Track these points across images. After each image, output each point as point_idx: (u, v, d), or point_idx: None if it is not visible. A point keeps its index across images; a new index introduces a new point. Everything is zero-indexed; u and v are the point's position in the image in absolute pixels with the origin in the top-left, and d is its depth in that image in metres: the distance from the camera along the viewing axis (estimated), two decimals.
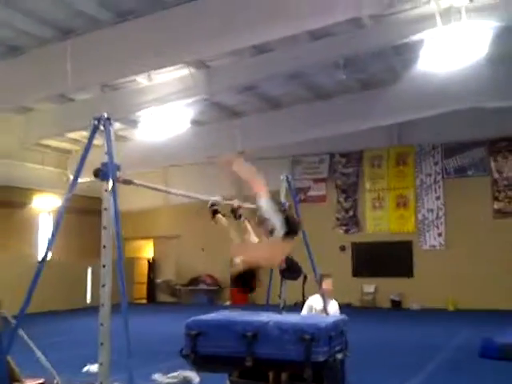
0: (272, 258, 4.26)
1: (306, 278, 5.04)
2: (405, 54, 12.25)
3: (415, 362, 7.91)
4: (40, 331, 10.22)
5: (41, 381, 6.67)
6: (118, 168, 2.94)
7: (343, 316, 4.68)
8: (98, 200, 3.34)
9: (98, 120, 2.96)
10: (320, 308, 6.08)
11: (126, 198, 22.12)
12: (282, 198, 5.25)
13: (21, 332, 6.10)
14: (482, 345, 8.34)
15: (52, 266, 15.95)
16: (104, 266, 2.88)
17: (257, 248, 4.40)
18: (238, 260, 4.09)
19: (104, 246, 2.89)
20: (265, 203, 4.01)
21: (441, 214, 17.20)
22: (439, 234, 17.19)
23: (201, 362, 4.21)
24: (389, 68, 13.33)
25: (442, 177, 17.31)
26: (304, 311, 6.23)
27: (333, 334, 4.16)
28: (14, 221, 17.08)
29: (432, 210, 17.36)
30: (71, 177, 3.39)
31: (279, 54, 11.47)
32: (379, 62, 12.97)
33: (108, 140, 2.96)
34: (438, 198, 17.33)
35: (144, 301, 20.87)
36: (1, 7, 9.22)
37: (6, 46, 10.80)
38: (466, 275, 16.19)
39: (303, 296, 5.36)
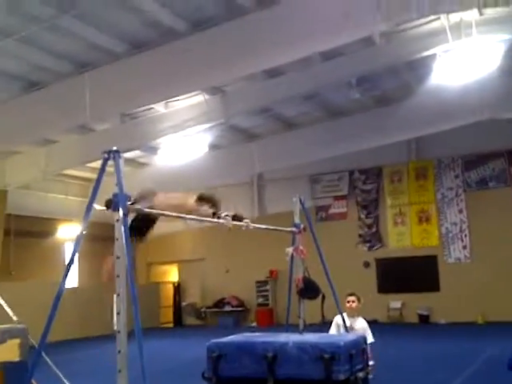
0: (180, 206, 4.35)
1: (324, 297, 5.07)
2: (418, 69, 12.33)
3: (443, 377, 7.81)
4: (67, 358, 10.35)
5: None
6: (128, 198, 3.07)
7: (363, 333, 4.69)
8: None
9: (108, 153, 3.12)
10: (348, 325, 6.10)
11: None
12: (296, 220, 5.31)
13: (46, 358, 6.24)
14: (511, 357, 8.20)
15: (78, 292, 16.29)
16: (118, 295, 2.98)
17: (173, 196, 4.50)
18: (146, 203, 4.00)
19: (118, 276, 2.99)
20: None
21: (464, 226, 17.04)
22: (464, 247, 17.01)
23: None
24: (403, 84, 13.40)
25: (464, 190, 17.18)
26: (332, 330, 6.22)
27: (353, 351, 4.19)
28: (40, 250, 17.40)
29: (455, 224, 17.22)
30: (93, 206, 3.53)
31: (292, 76, 11.64)
32: (393, 78, 13.06)
33: (118, 172, 3.10)
34: (460, 211, 17.19)
35: (171, 324, 20.95)
36: (18, 44, 9.54)
37: (25, 80, 11.14)
38: (494, 287, 15.95)
39: (322, 315, 5.38)
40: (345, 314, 5.84)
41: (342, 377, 3.94)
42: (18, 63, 10.43)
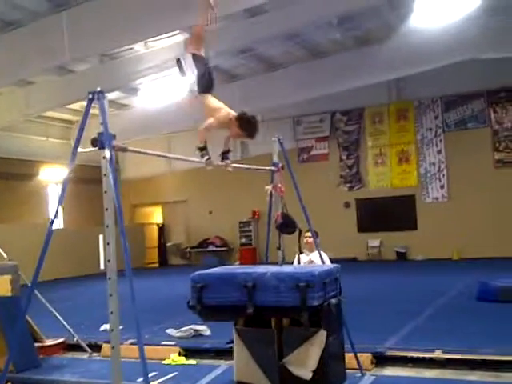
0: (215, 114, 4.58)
1: (300, 231, 5.34)
2: (399, 8, 12.27)
3: (414, 308, 8.28)
4: (57, 296, 10.70)
5: (61, 340, 7.12)
6: (113, 137, 3.23)
7: (337, 264, 4.99)
8: None
9: (93, 94, 3.26)
10: (307, 260, 6.55)
11: (134, 167, 22.60)
12: (275, 159, 5.51)
13: (38, 295, 6.52)
14: (478, 288, 8.72)
15: (64, 234, 16.58)
16: (107, 226, 3.20)
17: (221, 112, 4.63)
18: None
19: (106, 209, 3.22)
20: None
21: (442, 167, 17.41)
22: (442, 187, 17.44)
23: (206, 311, 4.57)
24: (384, 24, 13.33)
25: (443, 130, 17.43)
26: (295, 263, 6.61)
27: (327, 280, 4.49)
28: (23, 192, 17.49)
29: (434, 164, 17.57)
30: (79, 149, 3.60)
31: (272, 15, 11.52)
32: (374, 18, 12.98)
33: (102, 112, 3.26)
34: (439, 152, 17.51)
35: (156, 264, 21.46)
36: None
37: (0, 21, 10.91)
38: (470, 225, 16.52)
39: (299, 249, 5.68)
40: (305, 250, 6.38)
41: (315, 303, 4.24)
42: None
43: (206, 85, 4.75)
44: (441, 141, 17.46)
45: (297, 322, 4.41)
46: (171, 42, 12.46)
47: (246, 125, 4.48)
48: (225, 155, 4.74)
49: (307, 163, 18.98)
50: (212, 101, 4.68)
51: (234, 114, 4.54)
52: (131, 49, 12.75)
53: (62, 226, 18.60)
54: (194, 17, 10.20)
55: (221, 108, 4.62)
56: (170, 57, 12.44)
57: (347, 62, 14.54)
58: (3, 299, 6.05)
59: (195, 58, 4.83)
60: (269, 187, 5.54)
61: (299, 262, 6.08)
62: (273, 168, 5.55)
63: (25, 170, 17.75)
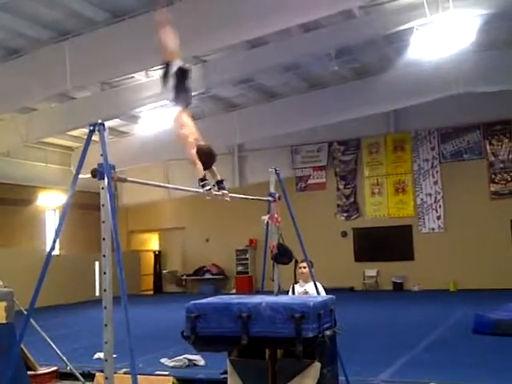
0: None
1: (297, 262, 5.36)
2: (396, 42, 12.54)
3: (409, 340, 8.25)
4: (51, 323, 10.63)
5: (54, 368, 7.06)
6: (112, 168, 3.30)
7: (331, 296, 5.00)
8: None
9: (94, 125, 3.33)
10: (302, 290, 6.49)
11: (131, 193, 22.58)
12: (272, 189, 5.55)
13: (33, 323, 6.48)
14: (475, 320, 8.70)
15: (60, 260, 16.51)
16: (104, 256, 3.24)
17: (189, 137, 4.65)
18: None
19: (104, 239, 3.28)
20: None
21: (439, 197, 17.51)
22: (438, 218, 17.51)
23: (200, 342, 4.54)
24: (381, 56, 13.61)
25: (439, 161, 17.59)
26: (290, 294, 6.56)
27: (322, 311, 4.48)
28: (21, 218, 17.49)
29: (430, 195, 17.68)
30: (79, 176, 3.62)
31: (272, 47, 11.75)
32: (371, 51, 13.25)
33: (102, 143, 3.33)
34: (435, 183, 17.63)
35: (151, 292, 21.31)
36: None
37: (3, 48, 11.09)
38: (466, 256, 16.53)
39: (295, 279, 5.69)
40: (300, 281, 6.30)
41: (310, 334, 4.23)
42: None
43: (184, 98, 4.81)
44: (437, 172, 17.60)
45: (291, 353, 4.40)
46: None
47: (202, 155, 4.52)
48: (220, 185, 4.73)
49: (305, 192, 19.07)
50: (185, 117, 4.71)
51: (200, 140, 4.59)
52: (132, 77, 12.93)
53: (57, 252, 18.55)
54: (194, 48, 10.49)
55: (192, 129, 4.66)
56: (169, 85, 12.60)
57: (345, 93, 14.76)
58: None
59: (179, 68, 4.86)
60: (265, 217, 5.58)
61: (294, 293, 6.08)
62: (269, 198, 5.60)
63: (23, 195, 17.77)
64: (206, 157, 4.52)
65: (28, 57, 11.08)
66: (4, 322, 6.10)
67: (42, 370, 6.90)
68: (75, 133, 16.61)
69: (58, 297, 16.04)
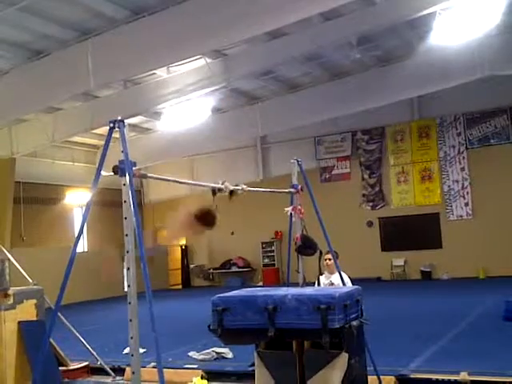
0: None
1: (321, 253, 5.34)
2: (418, 27, 12.31)
3: (438, 329, 8.15)
4: (81, 319, 10.81)
5: (85, 363, 7.19)
6: (134, 164, 3.31)
7: (357, 286, 4.97)
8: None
9: (114, 122, 3.35)
10: (327, 282, 6.47)
11: (157, 190, 22.78)
12: (294, 181, 5.52)
13: (62, 319, 6.60)
14: (505, 308, 8.55)
15: (87, 257, 16.73)
16: (128, 252, 3.27)
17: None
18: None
19: (126, 235, 3.31)
20: None
21: (466, 184, 17.23)
22: (466, 204, 17.25)
23: (227, 335, 4.56)
24: (404, 43, 13.39)
25: (466, 147, 17.30)
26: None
27: (348, 302, 4.46)
28: (49, 216, 17.79)
29: (457, 181, 17.41)
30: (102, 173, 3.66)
31: (293, 38, 11.66)
32: (393, 38, 13.05)
33: (123, 140, 3.35)
34: (462, 169, 17.36)
35: (179, 286, 21.51)
36: (20, 12, 9.63)
37: (28, 49, 11.27)
38: (495, 243, 16.26)
39: (319, 271, 5.66)
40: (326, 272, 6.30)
41: (336, 325, 4.21)
42: (20, 32, 10.54)
43: None
44: (464, 158, 17.32)
45: (318, 344, 4.39)
46: (193, 66, 12.67)
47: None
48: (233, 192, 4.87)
49: (329, 183, 18.97)
50: None
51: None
52: (154, 74, 12.99)
53: (85, 249, 18.83)
54: (215, 41, 10.48)
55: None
56: (192, 81, 12.66)
57: (368, 81, 14.59)
58: (28, 324, 6.13)
59: None
60: (288, 209, 5.56)
61: (319, 284, 6.06)
62: (292, 190, 5.57)
63: (51, 194, 18.08)
64: (207, 218, 4.81)
65: (51, 57, 11.23)
66: (34, 319, 6.23)
67: (74, 366, 7.02)
68: (100, 131, 16.77)
69: (86, 293, 16.31)
